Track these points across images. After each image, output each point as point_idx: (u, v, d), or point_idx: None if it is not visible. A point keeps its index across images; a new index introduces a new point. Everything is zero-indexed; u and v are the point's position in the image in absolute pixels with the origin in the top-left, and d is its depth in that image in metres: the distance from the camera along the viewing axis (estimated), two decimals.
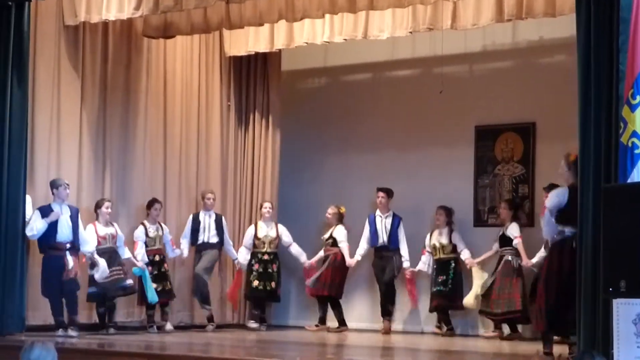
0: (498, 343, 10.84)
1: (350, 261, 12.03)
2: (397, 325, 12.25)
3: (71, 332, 9.80)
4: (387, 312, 11.91)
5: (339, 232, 12.13)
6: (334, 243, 12.11)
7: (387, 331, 11.78)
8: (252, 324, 12.14)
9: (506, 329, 11.29)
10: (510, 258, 11.04)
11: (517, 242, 11.06)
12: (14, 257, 9.60)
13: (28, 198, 10.00)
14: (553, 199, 8.24)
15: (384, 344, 10.82)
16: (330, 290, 12.05)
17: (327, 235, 12.20)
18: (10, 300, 9.54)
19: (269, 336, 11.33)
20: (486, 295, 11.13)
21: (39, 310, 10.16)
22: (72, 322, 9.97)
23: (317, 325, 12.15)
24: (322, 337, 11.44)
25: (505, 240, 11.19)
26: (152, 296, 11.01)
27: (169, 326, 11.36)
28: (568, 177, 8.32)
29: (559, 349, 8.32)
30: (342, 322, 12.17)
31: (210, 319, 11.80)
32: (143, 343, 9.92)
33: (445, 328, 11.58)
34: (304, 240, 12.39)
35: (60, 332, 9.80)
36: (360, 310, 12.64)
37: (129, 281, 10.77)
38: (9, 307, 9.53)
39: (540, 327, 8.43)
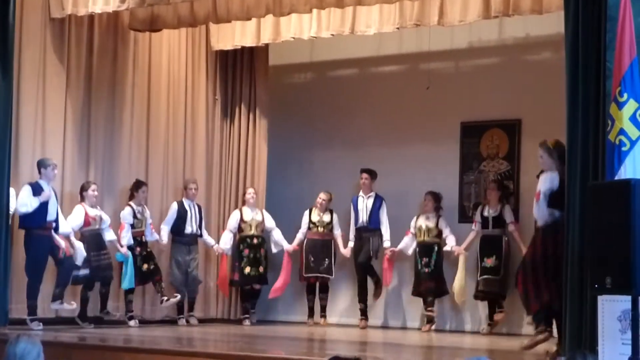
0: (486, 339, 10.88)
1: (345, 251, 12.06)
2: (377, 319, 12.28)
3: (66, 306, 9.92)
4: (360, 309, 11.95)
5: (336, 219, 12.20)
6: (332, 228, 12.16)
7: (364, 327, 11.81)
8: (246, 322, 12.03)
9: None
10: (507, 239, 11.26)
11: (513, 228, 11.17)
12: None
13: (12, 191, 9.93)
14: (547, 183, 8.18)
15: (366, 339, 10.83)
16: (330, 273, 12.14)
17: (327, 219, 12.18)
18: None
19: (257, 331, 11.31)
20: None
21: (22, 303, 10.08)
22: (58, 295, 10.04)
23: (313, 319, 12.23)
24: (308, 332, 11.44)
25: (491, 222, 11.25)
26: (129, 283, 11.01)
27: (173, 300, 11.36)
28: (551, 164, 8.30)
29: (545, 346, 8.32)
30: (324, 308, 12.26)
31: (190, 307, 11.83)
32: (125, 337, 9.92)
33: (428, 324, 11.59)
34: (291, 234, 12.34)
35: (29, 320, 9.84)
36: (343, 304, 12.64)
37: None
38: None
39: (535, 308, 8.29)
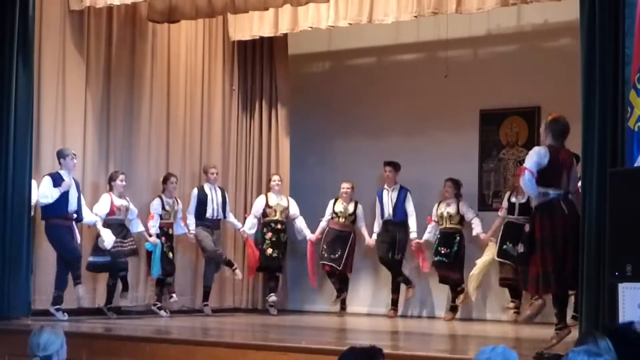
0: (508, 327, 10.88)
1: (370, 241, 12.08)
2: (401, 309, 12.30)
3: (60, 316, 9.89)
4: (392, 300, 11.97)
5: (361, 211, 12.21)
6: (354, 220, 12.17)
7: (393, 316, 11.86)
8: (273, 311, 12.07)
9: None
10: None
11: None
12: (19, 241, 9.60)
13: (34, 183, 10.01)
14: (533, 157, 7.77)
15: (386, 328, 10.85)
16: (349, 268, 12.17)
17: (350, 211, 12.20)
18: (16, 284, 9.54)
19: (279, 321, 11.35)
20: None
21: (45, 294, 10.18)
22: (59, 299, 10.02)
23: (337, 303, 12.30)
24: (327, 321, 11.47)
25: (517, 209, 11.16)
26: (157, 271, 11.10)
27: (175, 298, 11.39)
28: (544, 138, 8.11)
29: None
30: (344, 301, 12.28)
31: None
32: (149, 327, 9.96)
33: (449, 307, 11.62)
34: (311, 223, 12.36)
35: (54, 309, 9.91)
36: (365, 294, 12.66)
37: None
38: (14, 291, 9.53)
39: (546, 292, 7.80)
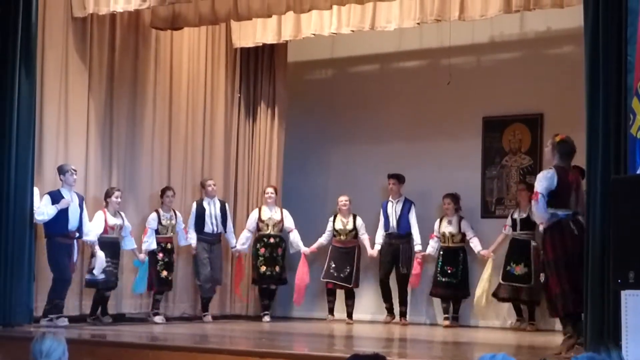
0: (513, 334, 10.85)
1: (372, 252, 12.03)
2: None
3: (59, 322, 9.88)
4: (387, 308, 12.01)
5: (360, 223, 12.15)
6: (356, 234, 12.14)
7: (405, 323, 11.86)
8: (266, 318, 12.06)
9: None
10: (536, 244, 10.94)
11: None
12: (21, 248, 9.60)
13: (36, 190, 10.01)
14: (543, 182, 7.94)
15: (390, 335, 10.83)
16: (356, 282, 12.13)
17: (350, 227, 12.17)
18: (18, 291, 9.54)
19: (277, 328, 11.32)
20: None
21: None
22: (50, 311, 10.02)
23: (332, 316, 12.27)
24: (329, 328, 11.45)
25: (519, 224, 11.15)
26: (141, 288, 11.07)
27: (158, 318, 11.27)
28: (550, 159, 8.22)
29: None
30: (351, 315, 12.22)
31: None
32: (149, 334, 9.96)
33: (451, 318, 11.60)
34: (310, 231, 12.36)
35: (46, 320, 9.89)
36: (367, 302, 12.63)
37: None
38: (16, 297, 9.53)
39: (560, 313, 8.04)
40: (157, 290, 11.26)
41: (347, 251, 12.13)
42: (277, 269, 12.11)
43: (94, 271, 10.39)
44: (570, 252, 7.82)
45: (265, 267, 12.04)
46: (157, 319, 11.15)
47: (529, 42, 12.04)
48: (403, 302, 11.95)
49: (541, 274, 8.25)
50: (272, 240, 12.12)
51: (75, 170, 10.25)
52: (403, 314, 11.95)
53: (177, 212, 11.54)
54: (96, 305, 10.74)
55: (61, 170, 10.19)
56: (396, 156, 12.50)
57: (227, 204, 12.13)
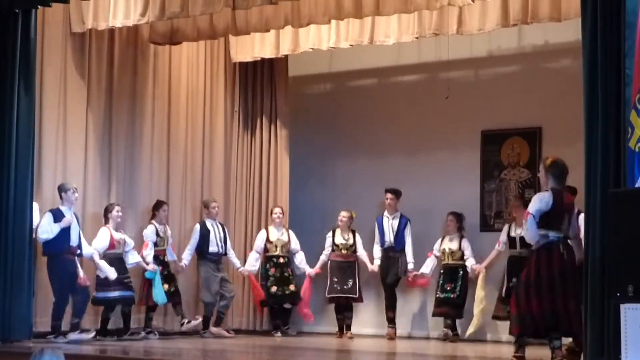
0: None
1: (372, 267, 12.00)
2: (403, 330, 12.23)
3: (83, 336, 9.90)
4: (388, 319, 11.92)
5: (358, 239, 12.15)
6: (355, 249, 12.12)
7: (392, 337, 11.77)
8: (277, 335, 12.02)
9: None
10: None
11: None
12: (21, 263, 9.59)
13: (35, 205, 10.01)
14: (536, 203, 8.06)
15: (390, 350, 10.80)
16: (360, 296, 12.08)
17: (351, 242, 12.15)
18: (18, 307, 9.52)
19: (282, 342, 11.32)
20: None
21: (47, 317, 10.16)
22: (76, 326, 10.07)
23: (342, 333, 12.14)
24: (329, 343, 11.42)
25: (518, 242, 11.10)
26: (162, 298, 11.01)
27: (194, 322, 11.36)
28: (545, 182, 8.28)
29: (538, 353, 8.31)
30: (349, 327, 12.18)
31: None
32: (146, 349, 9.92)
33: (451, 334, 11.57)
34: (313, 245, 12.34)
35: (59, 338, 9.90)
36: (366, 316, 12.60)
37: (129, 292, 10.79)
38: (16, 313, 9.51)
39: (516, 331, 8.23)
40: (151, 307, 11.20)
41: (348, 264, 12.10)
42: (292, 287, 12.10)
43: (110, 275, 10.36)
44: (555, 274, 7.89)
45: (276, 288, 12.03)
46: (152, 336, 11.11)
47: (527, 56, 12.06)
48: (391, 307, 11.90)
49: (513, 279, 8.33)
50: (281, 260, 12.15)
51: (76, 189, 10.28)
52: (391, 320, 11.89)
53: (166, 225, 11.50)
54: (105, 324, 10.67)
55: (63, 189, 10.20)
56: (394, 169, 12.50)
57: (226, 227, 12.12)
